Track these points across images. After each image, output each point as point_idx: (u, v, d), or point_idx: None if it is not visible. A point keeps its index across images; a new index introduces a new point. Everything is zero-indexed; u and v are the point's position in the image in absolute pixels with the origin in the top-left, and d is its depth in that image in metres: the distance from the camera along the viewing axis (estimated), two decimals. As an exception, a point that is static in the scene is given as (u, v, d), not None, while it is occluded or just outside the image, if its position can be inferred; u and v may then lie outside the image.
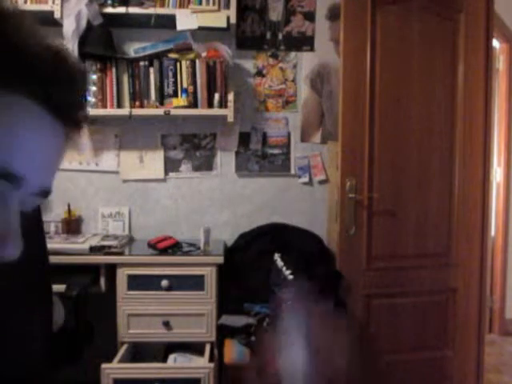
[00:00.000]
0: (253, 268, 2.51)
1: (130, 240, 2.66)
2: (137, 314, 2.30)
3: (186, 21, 2.44)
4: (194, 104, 2.51)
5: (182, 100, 2.49)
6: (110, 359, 2.18)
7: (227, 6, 2.45)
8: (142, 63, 2.53)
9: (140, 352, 2.42)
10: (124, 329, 2.30)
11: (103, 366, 2.12)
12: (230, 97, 2.50)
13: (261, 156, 2.74)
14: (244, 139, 2.73)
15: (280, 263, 2.55)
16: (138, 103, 2.52)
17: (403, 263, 2.55)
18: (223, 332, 2.29)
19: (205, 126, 2.71)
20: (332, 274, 2.49)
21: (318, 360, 0.65)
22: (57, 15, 2.35)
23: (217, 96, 2.49)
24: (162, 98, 2.52)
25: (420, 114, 2.52)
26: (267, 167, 2.75)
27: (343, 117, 2.44)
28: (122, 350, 2.27)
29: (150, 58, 2.54)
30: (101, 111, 2.49)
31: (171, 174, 2.74)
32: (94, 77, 2.49)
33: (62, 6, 2.35)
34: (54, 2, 2.35)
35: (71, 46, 2.36)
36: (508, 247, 3.62)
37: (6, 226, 0.41)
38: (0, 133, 0.38)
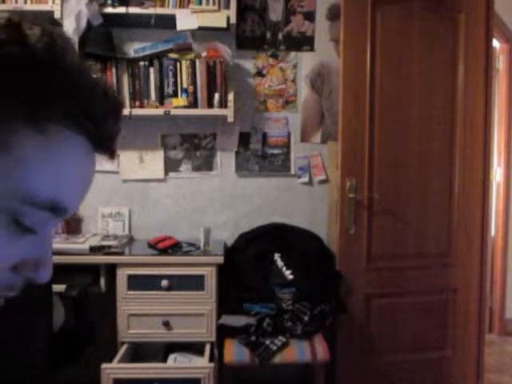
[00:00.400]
0: (253, 268, 2.51)
1: (130, 240, 2.66)
2: (137, 314, 2.30)
3: (186, 21, 2.44)
4: (194, 104, 2.51)
5: (182, 100, 2.49)
6: (110, 359, 2.18)
7: (227, 6, 2.45)
8: (141, 63, 2.53)
9: (140, 352, 2.42)
10: (124, 329, 2.30)
11: (103, 366, 2.12)
12: (230, 97, 2.50)
13: (261, 156, 2.74)
14: (244, 139, 2.73)
15: (280, 263, 2.55)
16: (137, 103, 2.52)
17: (403, 263, 2.55)
18: (223, 332, 2.29)
19: (205, 126, 2.71)
20: (332, 273, 2.49)
21: None
22: (57, 15, 2.35)
23: (217, 96, 2.49)
24: (162, 98, 2.52)
25: (420, 114, 2.52)
26: (267, 167, 2.75)
27: (343, 117, 2.44)
28: (122, 350, 2.27)
29: (150, 58, 2.54)
30: (101, 111, 2.49)
31: (171, 174, 2.74)
32: (94, 77, 2.49)
33: (62, 6, 2.35)
34: (54, 2, 2.35)
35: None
36: (508, 247, 3.61)
37: (42, 253, 0.44)
38: (53, 168, 0.40)
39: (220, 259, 2.32)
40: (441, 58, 2.52)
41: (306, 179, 2.76)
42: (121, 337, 2.31)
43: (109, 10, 2.43)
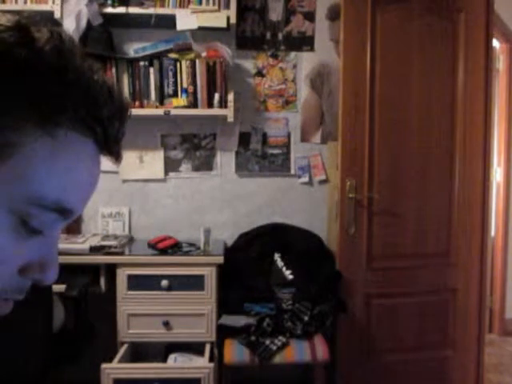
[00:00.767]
0: (253, 268, 2.51)
1: (130, 240, 2.65)
2: (137, 314, 2.30)
3: (186, 21, 2.44)
4: (193, 104, 2.51)
5: (182, 100, 2.49)
6: (110, 359, 2.18)
7: (227, 6, 2.45)
8: (141, 63, 2.53)
9: (140, 352, 2.42)
10: (124, 329, 2.30)
11: (103, 366, 2.12)
12: (230, 97, 2.50)
13: (261, 156, 2.74)
14: (244, 139, 2.73)
15: (280, 263, 2.55)
16: (137, 103, 2.51)
17: (403, 263, 2.55)
18: (223, 332, 2.29)
19: (205, 126, 2.71)
20: (332, 273, 2.49)
21: None
22: (57, 15, 2.35)
23: (217, 96, 2.49)
24: (161, 98, 2.52)
25: (420, 114, 2.52)
26: (267, 167, 2.75)
27: (343, 117, 2.44)
28: (122, 350, 2.27)
29: (150, 58, 2.54)
30: (101, 111, 2.49)
31: (171, 174, 2.74)
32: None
33: (61, 6, 2.35)
34: (54, 2, 2.35)
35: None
36: (508, 247, 3.61)
37: (49, 255, 0.44)
38: (61, 170, 0.40)
39: (220, 259, 2.32)
40: (441, 57, 2.52)
41: (306, 179, 2.76)
42: (121, 337, 2.31)
43: (109, 9, 2.43)
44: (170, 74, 2.51)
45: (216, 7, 2.45)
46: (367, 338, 2.55)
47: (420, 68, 2.50)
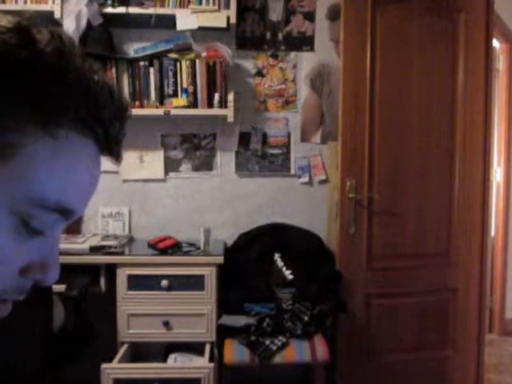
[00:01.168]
0: (253, 268, 2.52)
1: (130, 240, 2.65)
2: (137, 314, 2.30)
3: (186, 21, 2.44)
4: (193, 104, 2.51)
5: (182, 100, 2.49)
6: (110, 359, 2.18)
7: (227, 6, 2.45)
8: (141, 63, 2.53)
9: (140, 352, 2.42)
10: (124, 329, 2.30)
11: (103, 366, 2.12)
12: (230, 97, 2.50)
13: (261, 156, 2.74)
14: (244, 139, 2.73)
15: (280, 263, 2.56)
16: (137, 103, 2.51)
17: (403, 263, 2.55)
18: (223, 332, 2.29)
19: (205, 126, 2.71)
20: (332, 273, 2.49)
21: None
22: (57, 15, 2.34)
23: (217, 96, 2.49)
24: (161, 98, 2.52)
25: (420, 114, 2.52)
26: (267, 167, 2.75)
27: (343, 116, 2.44)
28: (122, 350, 2.27)
29: (150, 58, 2.54)
30: (101, 111, 2.49)
31: (171, 174, 2.74)
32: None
33: (61, 6, 2.35)
34: (54, 2, 2.35)
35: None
36: (508, 247, 3.61)
37: (50, 255, 0.44)
38: (62, 170, 0.41)
39: (220, 259, 2.32)
40: (441, 57, 2.52)
41: (306, 179, 2.76)
42: (121, 337, 2.31)
43: (109, 9, 2.43)
44: (170, 73, 2.51)
45: (216, 7, 2.45)
46: (367, 338, 2.55)
47: (420, 68, 2.50)
